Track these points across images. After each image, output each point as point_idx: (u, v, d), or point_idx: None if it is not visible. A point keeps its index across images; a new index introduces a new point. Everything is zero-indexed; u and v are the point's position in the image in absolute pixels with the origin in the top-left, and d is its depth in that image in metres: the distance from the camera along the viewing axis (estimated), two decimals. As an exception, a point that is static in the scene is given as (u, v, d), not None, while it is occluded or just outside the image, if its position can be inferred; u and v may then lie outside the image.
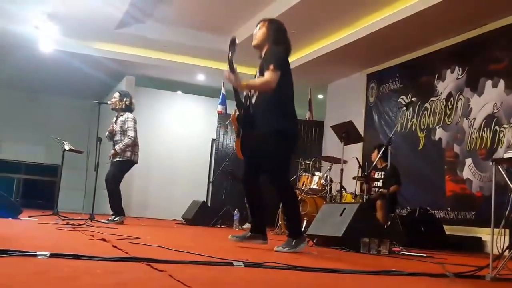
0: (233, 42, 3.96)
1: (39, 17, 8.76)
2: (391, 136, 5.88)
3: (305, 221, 6.72)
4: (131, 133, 6.82)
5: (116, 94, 7.11)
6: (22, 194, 12.90)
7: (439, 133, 7.73)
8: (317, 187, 7.37)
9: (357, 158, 7.15)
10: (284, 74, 3.88)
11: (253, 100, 4.05)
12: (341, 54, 8.78)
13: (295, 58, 9.86)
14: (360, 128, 8.24)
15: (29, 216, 6.46)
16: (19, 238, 3.55)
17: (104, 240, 3.62)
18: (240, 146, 4.17)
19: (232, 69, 3.91)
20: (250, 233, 4.15)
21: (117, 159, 6.87)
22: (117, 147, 6.81)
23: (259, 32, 4.14)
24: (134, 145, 6.88)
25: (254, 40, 4.17)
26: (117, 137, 6.89)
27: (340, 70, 9.81)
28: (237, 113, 4.17)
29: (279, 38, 4.09)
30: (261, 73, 3.95)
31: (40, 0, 8.11)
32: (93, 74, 10.80)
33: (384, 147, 5.98)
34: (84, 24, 9.07)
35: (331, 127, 6.88)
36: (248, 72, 10.82)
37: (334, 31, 8.54)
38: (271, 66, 3.81)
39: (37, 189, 13.38)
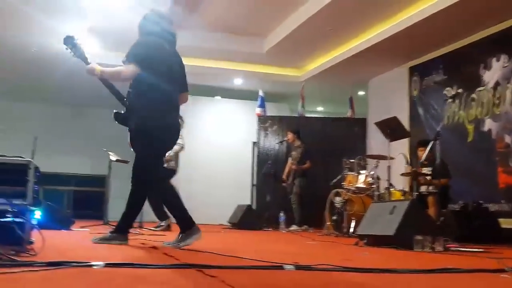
0: (67, 40, 3.92)
1: (79, 33, 8.94)
2: (438, 129, 5.72)
3: (353, 221, 6.63)
4: (180, 141, 6.84)
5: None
6: (73, 206, 13.24)
7: (489, 124, 7.47)
8: (363, 186, 7.24)
9: (403, 154, 7.00)
10: (144, 65, 3.79)
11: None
12: (381, 49, 8.61)
13: (332, 57, 9.81)
14: (405, 123, 8.06)
15: (81, 227, 6.59)
16: (74, 249, 3.60)
17: (155, 247, 3.64)
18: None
19: (85, 61, 3.92)
20: (183, 233, 3.93)
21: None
22: (171, 152, 6.78)
23: None
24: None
25: None
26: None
27: (381, 65, 9.63)
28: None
29: (142, 30, 4.07)
30: None
31: (80, 15, 8.26)
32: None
33: (432, 142, 5.82)
34: (122, 36, 9.20)
35: (375, 123, 6.74)
36: (293, 74, 10.91)
37: (371, 26, 8.39)
38: (125, 58, 3.83)
39: (86, 199, 13.71)
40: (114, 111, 4.00)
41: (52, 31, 8.73)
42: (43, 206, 5.18)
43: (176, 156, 7.12)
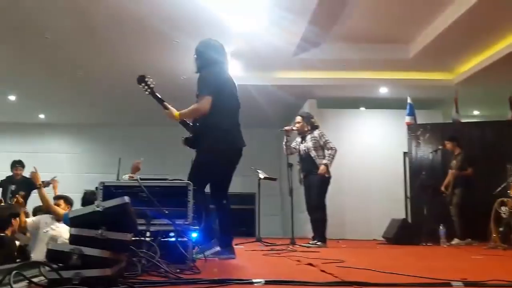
0: (141, 79, 4.12)
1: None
2: None
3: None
4: (332, 145, 6.79)
5: (299, 118, 7.11)
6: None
7: None
8: (531, 193, 6.58)
9: None
10: (215, 95, 4.09)
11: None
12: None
13: (487, 56, 9.15)
14: None
15: (236, 244, 6.80)
16: (233, 266, 3.70)
17: (311, 264, 3.61)
18: None
19: (162, 105, 4.14)
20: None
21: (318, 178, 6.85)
22: (325, 161, 6.80)
23: None
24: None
25: None
26: (313, 153, 6.86)
27: (543, 60, 8.77)
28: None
29: (203, 62, 4.34)
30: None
31: (224, 40, 8.64)
32: (276, 102, 11.19)
33: None
34: (263, 57, 9.49)
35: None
36: (444, 78, 10.40)
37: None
38: (198, 93, 4.13)
39: (238, 217, 14.26)
40: (183, 137, 4.31)
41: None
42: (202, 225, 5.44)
43: None
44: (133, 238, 2.31)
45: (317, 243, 6.62)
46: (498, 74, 9.53)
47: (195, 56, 4.47)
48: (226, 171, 4.32)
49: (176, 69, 9.89)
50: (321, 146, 6.81)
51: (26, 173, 7.83)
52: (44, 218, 5.64)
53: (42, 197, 5.74)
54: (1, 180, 8.69)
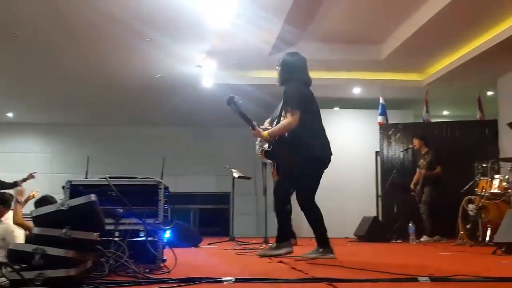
0: (230, 100, 4.31)
1: (200, 55, 9.34)
2: None
3: (489, 229, 6.20)
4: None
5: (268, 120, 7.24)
6: (199, 223, 13.81)
7: None
8: (498, 191, 6.72)
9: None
10: (303, 110, 4.19)
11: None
12: (510, 45, 7.98)
13: (456, 58, 9.29)
14: (542, 121, 7.37)
15: (209, 244, 6.79)
16: (204, 265, 3.70)
17: (282, 262, 3.62)
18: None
19: (251, 125, 4.32)
20: (321, 248, 4.21)
21: None
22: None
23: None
24: None
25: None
26: None
27: (510, 62, 8.92)
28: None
29: (291, 76, 4.34)
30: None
31: (200, 39, 8.63)
32: (252, 102, 11.17)
33: None
34: (238, 55, 9.47)
35: (508, 124, 6.32)
36: (415, 79, 10.52)
37: (497, 22, 7.81)
38: (289, 108, 4.18)
39: (211, 217, 14.24)
40: (262, 149, 4.58)
41: (175, 56, 9.22)
42: (173, 224, 5.40)
43: None
44: (100, 238, 2.27)
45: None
46: (467, 75, 9.69)
47: (279, 64, 4.47)
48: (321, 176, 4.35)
49: (150, 67, 9.81)
50: None
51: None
52: None
53: (17, 213, 5.47)
54: None
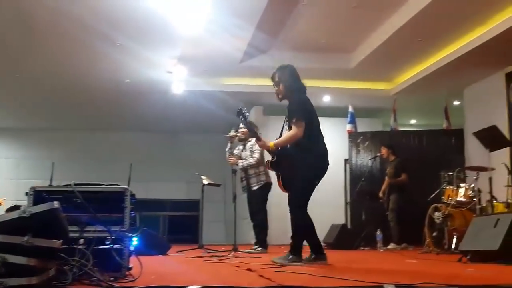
0: (239, 112, 4.42)
1: (170, 61, 9.29)
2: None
3: (455, 237, 6.29)
4: (256, 155, 6.94)
5: (242, 125, 7.21)
6: (168, 230, 13.67)
7: None
8: (464, 199, 6.84)
9: (505, 164, 6.56)
10: (307, 120, 4.31)
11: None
12: (476, 56, 8.18)
13: (423, 68, 9.46)
14: (505, 131, 7.57)
15: (177, 251, 6.73)
16: (171, 273, 3.66)
17: (250, 270, 3.61)
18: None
19: (256, 136, 4.45)
20: (314, 255, 4.46)
21: (256, 187, 6.95)
22: (247, 161, 6.95)
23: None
24: (258, 165, 6.94)
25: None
26: (251, 161, 6.98)
27: (476, 73, 9.15)
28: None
29: (292, 89, 4.48)
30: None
31: (170, 44, 8.58)
32: (222, 108, 11.18)
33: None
34: (210, 62, 9.45)
35: (474, 134, 6.43)
36: (383, 88, 10.66)
37: (463, 34, 8.01)
38: (294, 120, 4.29)
39: (181, 224, 14.12)
40: (268, 161, 4.58)
41: (145, 61, 9.14)
42: (140, 232, 5.35)
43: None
44: (63, 245, 2.23)
45: (258, 249, 6.70)
46: (434, 85, 9.88)
47: (278, 81, 4.53)
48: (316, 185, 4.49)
49: (119, 72, 9.71)
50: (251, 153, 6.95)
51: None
52: None
53: None
54: None
